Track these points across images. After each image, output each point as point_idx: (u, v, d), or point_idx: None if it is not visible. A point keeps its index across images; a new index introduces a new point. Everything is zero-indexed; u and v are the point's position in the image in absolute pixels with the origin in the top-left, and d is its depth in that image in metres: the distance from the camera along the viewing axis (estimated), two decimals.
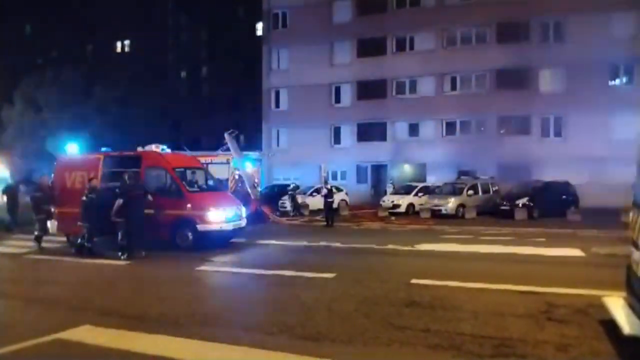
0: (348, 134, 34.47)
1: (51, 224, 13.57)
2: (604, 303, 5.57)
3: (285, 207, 24.13)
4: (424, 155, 31.84)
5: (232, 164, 19.95)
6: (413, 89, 32.88)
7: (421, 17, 31.97)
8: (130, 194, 11.33)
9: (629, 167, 7.20)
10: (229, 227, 12.63)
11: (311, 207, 24.30)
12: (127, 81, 42.95)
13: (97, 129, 36.13)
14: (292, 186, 24.79)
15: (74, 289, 8.51)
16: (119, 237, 11.26)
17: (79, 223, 11.79)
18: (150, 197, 11.65)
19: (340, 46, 34.43)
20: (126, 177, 11.62)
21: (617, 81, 28.80)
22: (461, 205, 22.32)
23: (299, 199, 24.42)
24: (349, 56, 34.24)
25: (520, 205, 21.26)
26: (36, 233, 13.12)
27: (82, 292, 8.24)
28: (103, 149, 14.99)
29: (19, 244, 13.89)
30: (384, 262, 10.64)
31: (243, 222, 13.37)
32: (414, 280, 8.23)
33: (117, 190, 11.47)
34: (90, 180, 12.12)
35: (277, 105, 36.63)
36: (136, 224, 11.21)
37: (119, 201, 11.18)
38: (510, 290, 7.45)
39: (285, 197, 24.64)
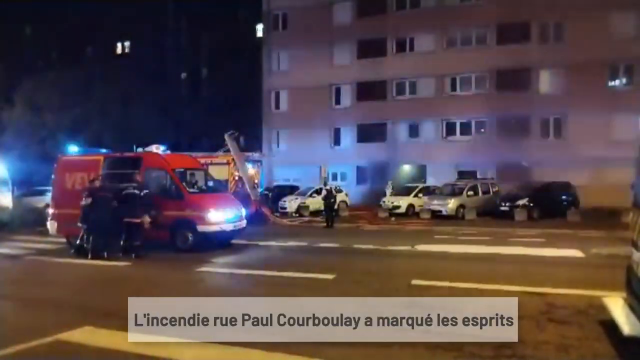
0: (348, 135, 34.47)
1: (50, 225, 13.56)
2: (604, 304, 5.57)
3: (286, 208, 24.17)
4: (424, 156, 31.84)
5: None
6: (413, 90, 32.88)
7: (421, 19, 31.97)
8: (96, 195, 11.41)
9: (628, 168, 7.20)
10: (229, 228, 12.62)
11: (311, 208, 24.31)
12: (127, 82, 42.94)
13: (97, 131, 36.14)
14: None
15: (74, 290, 8.51)
16: (82, 239, 11.56)
17: (78, 224, 11.77)
18: (115, 203, 11.45)
19: (341, 47, 34.43)
20: (96, 181, 11.82)
21: (617, 82, 28.80)
22: (461, 206, 22.32)
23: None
24: (349, 57, 34.24)
25: (520, 206, 21.25)
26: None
27: (83, 293, 8.25)
28: (102, 150, 14.99)
29: (19, 246, 13.89)
30: (384, 263, 10.64)
31: (243, 223, 13.35)
32: (414, 281, 8.22)
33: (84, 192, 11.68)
34: (91, 181, 12.11)
35: (277, 107, 36.63)
36: (101, 226, 11.29)
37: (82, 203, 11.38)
38: (510, 291, 7.44)
39: (286, 198, 24.69)
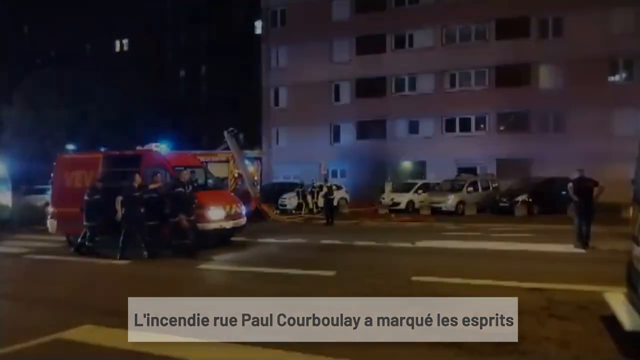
0: (348, 132, 34.43)
1: (50, 224, 13.52)
2: (605, 299, 5.57)
3: (285, 205, 24.13)
4: (424, 153, 31.82)
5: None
6: (412, 86, 32.83)
7: (420, 14, 31.91)
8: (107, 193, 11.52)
9: (628, 163, 7.18)
10: (228, 225, 12.61)
11: (311, 205, 24.27)
12: (126, 80, 42.86)
13: (96, 129, 36.10)
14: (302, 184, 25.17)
15: (75, 289, 8.50)
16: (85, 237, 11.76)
17: (85, 223, 11.68)
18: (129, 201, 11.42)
19: (340, 44, 34.36)
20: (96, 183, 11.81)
21: (617, 77, 28.75)
22: (461, 202, 22.34)
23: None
24: (348, 54, 34.17)
25: (520, 201, 21.27)
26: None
27: (83, 292, 8.24)
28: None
29: (18, 244, 13.89)
30: (385, 260, 10.64)
31: (243, 220, 13.35)
32: (414, 278, 8.22)
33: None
34: (94, 180, 12.05)
35: (277, 104, 36.58)
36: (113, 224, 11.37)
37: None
38: (511, 287, 7.44)
39: (286, 195, 24.63)
